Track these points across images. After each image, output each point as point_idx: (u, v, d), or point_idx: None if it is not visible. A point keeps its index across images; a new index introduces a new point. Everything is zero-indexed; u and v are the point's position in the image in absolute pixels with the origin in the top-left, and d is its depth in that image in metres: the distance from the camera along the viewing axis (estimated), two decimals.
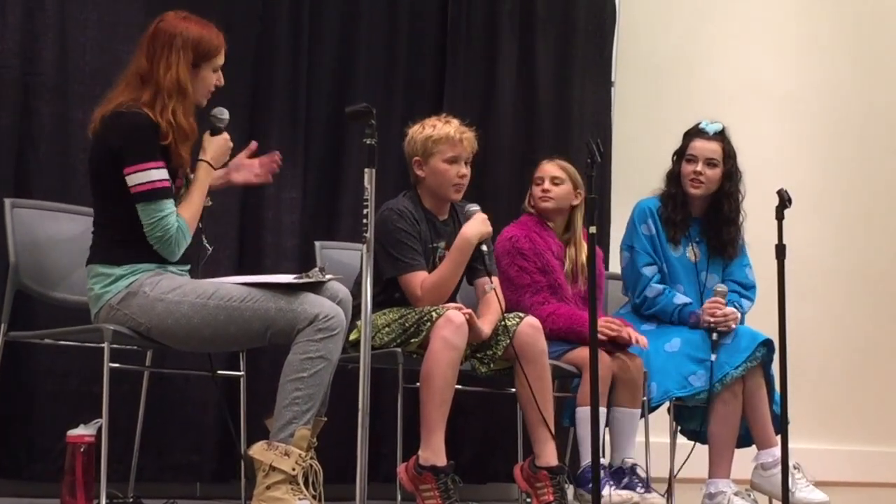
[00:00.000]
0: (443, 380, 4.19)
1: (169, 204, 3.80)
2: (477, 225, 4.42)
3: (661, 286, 5.02)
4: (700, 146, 5.06)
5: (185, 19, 3.92)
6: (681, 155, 5.11)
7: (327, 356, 3.77)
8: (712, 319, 4.89)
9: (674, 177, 5.11)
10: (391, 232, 4.40)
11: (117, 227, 3.86)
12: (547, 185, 4.88)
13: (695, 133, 5.11)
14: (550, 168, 4.92)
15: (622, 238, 5.17)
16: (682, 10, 6.63)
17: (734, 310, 4.95)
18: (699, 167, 5.04)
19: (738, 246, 5.14)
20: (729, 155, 5.08)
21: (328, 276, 3.92)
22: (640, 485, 4.61)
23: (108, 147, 3.82)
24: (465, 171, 4.49)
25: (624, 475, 4.64)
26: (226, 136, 4.04)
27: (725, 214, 5.07)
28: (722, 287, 4.98)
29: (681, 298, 5.00)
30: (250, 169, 4.27)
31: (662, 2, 6.57)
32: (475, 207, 4.48)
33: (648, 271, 5.04)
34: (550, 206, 4.88)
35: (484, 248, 4.43)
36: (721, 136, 5.09)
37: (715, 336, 4.86)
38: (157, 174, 3.77)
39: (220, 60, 3.96)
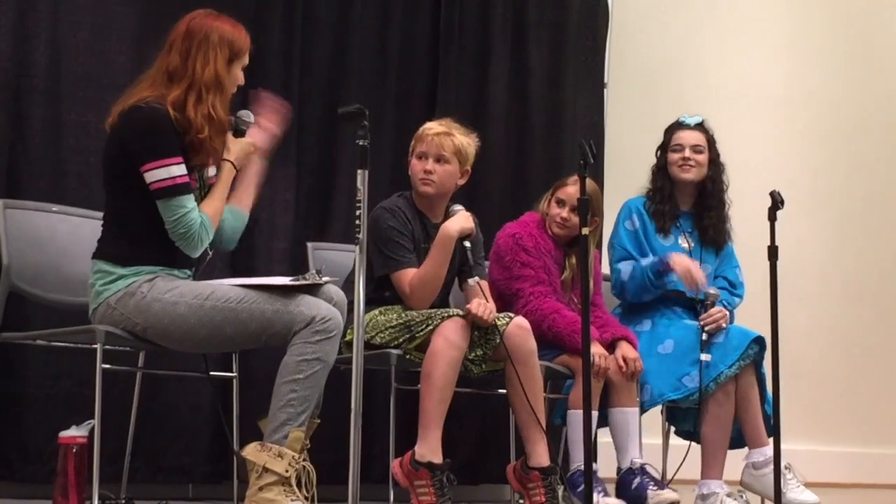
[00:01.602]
0: (443, 377, 4.20)
1: (190, 200, 3.79)
2: (459, 220, 4.43)
3: (628, 263, 5.02)
4: (684, 135, 5.13)
5: (217, 17, 3.93)
6: (665, 148, 5.16)
7: (324, 358, 3.77)
8: (707, 328, 4.88)
9: (660, 170, 5.16)
10: (383, 230, 4.42)
11: (124, 223, 3.86)
12: (566, 213, 4.84)
13: (676, 126, 5.18)
14: (575, 193, 4.63)
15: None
16: (676, 12, 6.63)
17: (721, 309, 4.96)
18: (687, 153, 5.09)
19: (727, 233, 5.18)
20: (711, 143, 5.16)
21: (325, 279, 3.93)
22: (651, 483, 4.59)
23: (122, 141, 3.80)
24: (430, 166, 4.49)
25: (634, 476, 4.63)
26: (250, 140, 4.06)
27: (710, 201, 5.11)
28: (714, 291, 4.99)
29: (646, 261, 5.01)
30: (263, 122, 4.14)
31: (655, 4, 6.58)
32: (458, 207, 4.52)
33: (622, 265, 5.05)
34: (564, 234, 4.86)
35: (467, 244, 4.44)
36: (702, 126, 5.17)
37: (705, 336, 4.86)
38: (178, 170, 3.76)
39: (247, 59, 3.98)
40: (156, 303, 3.79)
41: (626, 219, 5.12)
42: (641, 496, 4.55)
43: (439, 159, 4.49)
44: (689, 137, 5.12)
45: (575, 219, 4.73)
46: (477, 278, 4.45)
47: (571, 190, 4.80)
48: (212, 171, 3.99)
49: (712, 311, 4.93)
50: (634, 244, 5.08)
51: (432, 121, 4.66)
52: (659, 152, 5.19)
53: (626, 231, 5.10)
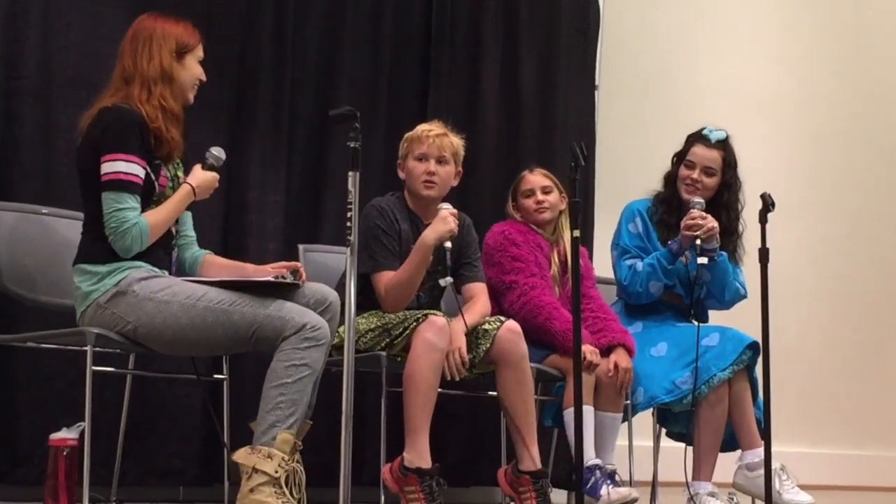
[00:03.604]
0: (425, 381, 4.20)
1: (130, 199, 3.80)
2: (437, 225, 4.39)
3: (637, 264, 4.99)
4: (700, 153, 5.01)
5: (160, 17, 4.03)
6: (681, 158, 5.06)
7: (311, 365, 3.78)
8: (694, 234, 4.81)
9: (671, 179, 5.08)
10: (370, 228, 4.42)
11: (100, 225, 3.85)
12: (540, 195, 4.87)
13: (697, 138, 5.05)
14: (537, 179, 4.91)
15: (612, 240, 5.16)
16: (667, 14, 6.64)
17: (712, 218, 4.87)
18: (696, 174, 4.99)
19: (737, 256, 5.07)
20: (729, 165, 5.02)
21: (300, 281, 3.93)
22: (611, 482, 4.57)
23: (92, 140, 3.86)
24: (433, 168, 4.49)
25: (591, 475, 4.61)
26: (216, 175, 4.10)
27: (723, 225, 4.97)
28: (699, 200, 4.91)
29: (650, 257, 4.97)
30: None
31: (647, 6, 6.58)
32: (445, 205, 4.48)
33: (628, 262, 5.02)
34: (548, 217, 4.87)
35: (448, 244, 4.39)
36: (723, 144, 5.03)
37: (698, 242, 4.80)
38: (126, 167, 3.80)
39: (201, 53, 4.06)
40: (148, 302, 3.79)
41: (629, 221, 5.09)
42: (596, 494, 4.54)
43: (440, 160, 4.50)
44: (704, 157, 5.00)
45: (549, 198, 4.86)
46: (450, 279, 4.41)
47: (533, 178, 4.92)
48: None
49: (693, 212, 4.86)
50: (638, 246, 5.05)
51: (423, 123, 4.66)
52: (675, 159, 5.09)
53: (630, 234, 5.06)
